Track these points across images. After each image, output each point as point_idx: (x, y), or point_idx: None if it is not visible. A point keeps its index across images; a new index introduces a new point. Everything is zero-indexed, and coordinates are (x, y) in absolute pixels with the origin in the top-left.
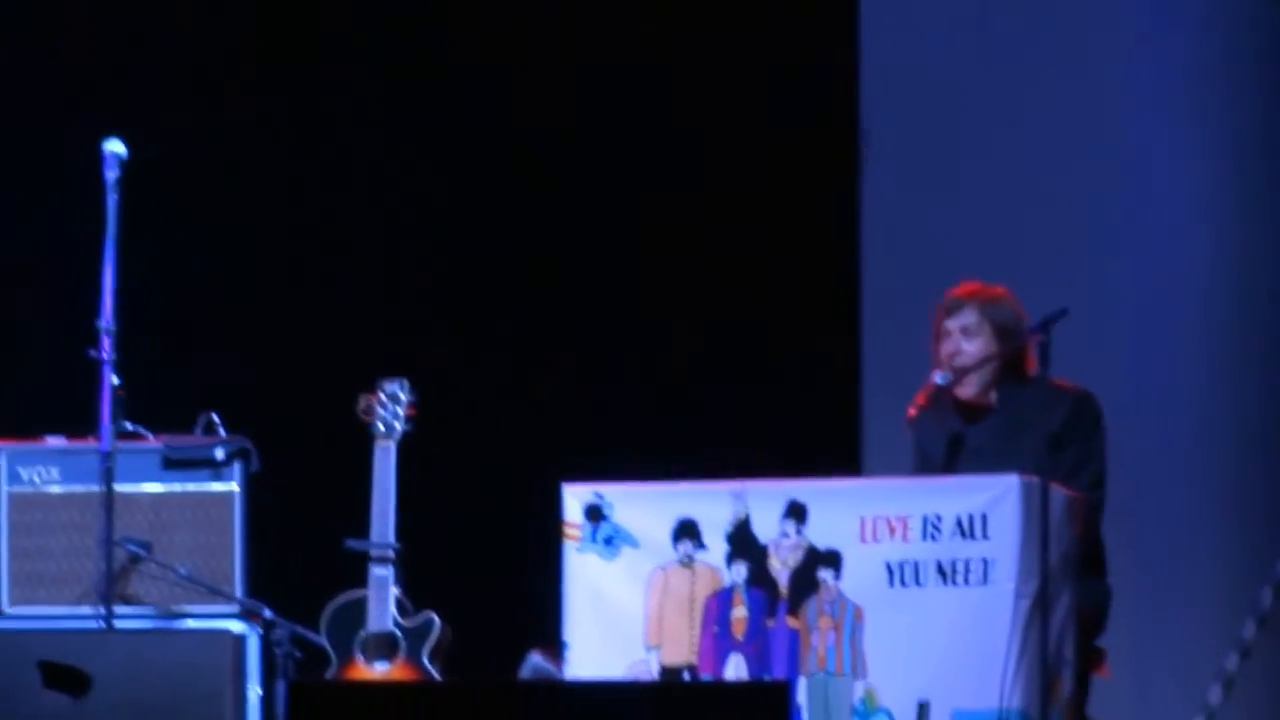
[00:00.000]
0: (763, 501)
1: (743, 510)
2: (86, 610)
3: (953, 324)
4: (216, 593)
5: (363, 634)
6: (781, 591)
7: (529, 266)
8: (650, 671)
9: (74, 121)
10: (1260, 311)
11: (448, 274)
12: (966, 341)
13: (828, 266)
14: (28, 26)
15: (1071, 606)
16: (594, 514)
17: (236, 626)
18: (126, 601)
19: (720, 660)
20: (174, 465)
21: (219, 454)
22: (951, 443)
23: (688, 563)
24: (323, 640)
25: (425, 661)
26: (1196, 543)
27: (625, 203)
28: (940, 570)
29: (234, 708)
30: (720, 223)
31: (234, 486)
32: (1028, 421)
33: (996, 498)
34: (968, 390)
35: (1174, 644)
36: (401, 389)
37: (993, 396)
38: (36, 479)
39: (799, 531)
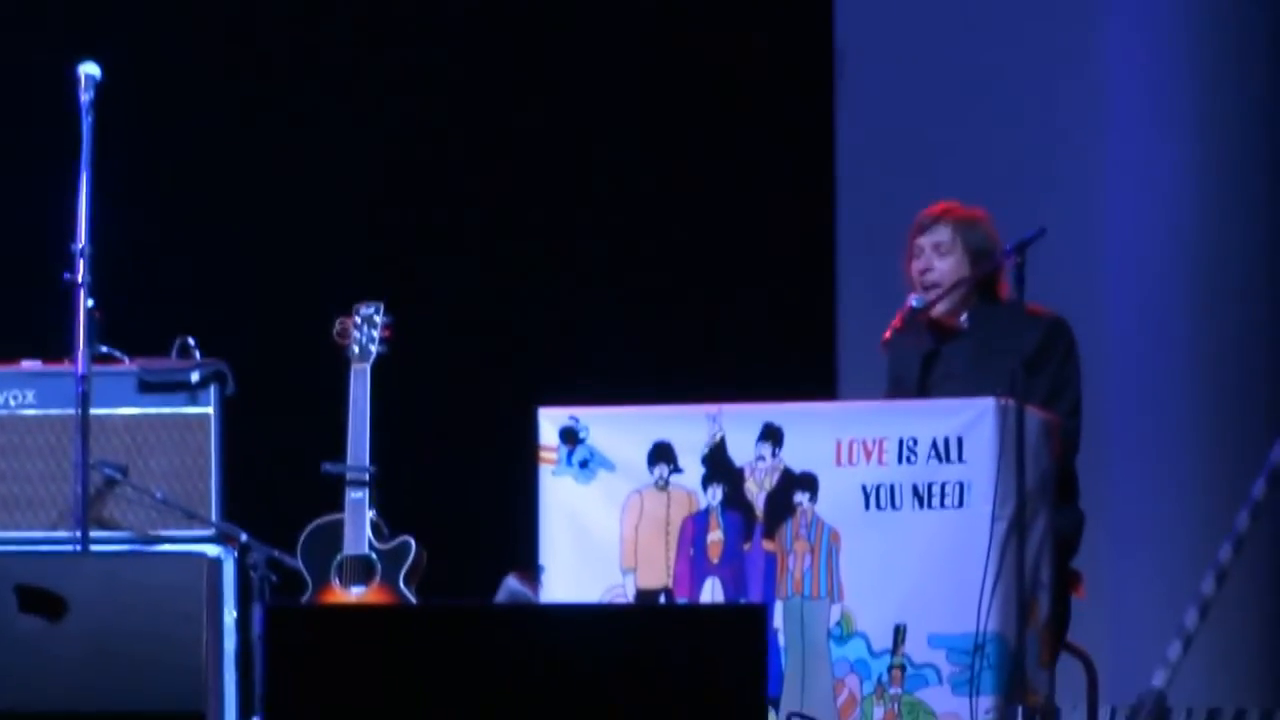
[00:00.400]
0: (738, 424)
1: (718, 433)
2: (62, 534)
3: (925, 240)
4: (192, 516)
5: (339, 557)
6: (757, 514)
7: (505, 190)
8: (626, 595)
9: (46, 43)
10: (1237, 234)
11: (424, 196)
12: (939, 259)
13: (803, 190)
14: None
15: (1047, 529)
16: (569, 437)
17: (212, 550)
18: (102, 525)
19: (696, 583)
20: (150, 388)
21: (194, 377)
22: (925, 363)
23: (663, 485)
24: (299, 564)
25: (401, 585)
26: (1174, 466)
27: (599, 126)
28: (916, 493)
29: (210, 631)
30: (696, 146)
31: (209, 410)
32: (999, 346)
33: (972, 420)
34: (939, 309)
35: (1150, 568)
36: (377, 312)
37: (963, 318)
38: (12, 402)
39: (774, 454)
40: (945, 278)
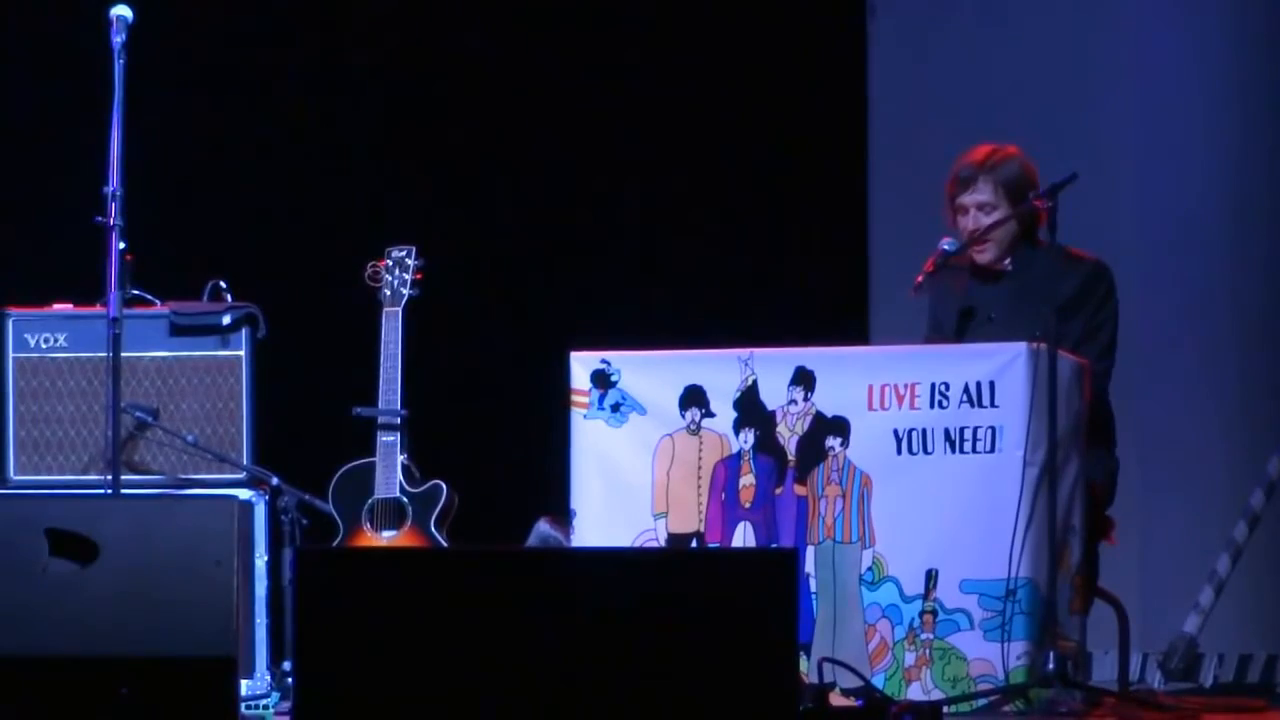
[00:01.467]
0: (770, 368)
1: (750, 376)
2: (93, 477)
3: (968, 199)
4: (224, 460)
5: (370, 501)
6: (789, 459)
7: (538, 133)
8: (658, 539)
9: None
10: (1267, 175)
11: (457, 140)
12: (985, 217)
13: (835, 135)
14: None
15: (1079, 475)
16: (601, 380)
17: (243, 494)
18: (133, 469)
19: (728, 528)
20: (181, 331)
21: (226, 320)
22: (963, 310)
23: (695, 429)
24: (330, 507)
25: (432, 529)
26: (1207, 412)
27: (632, 72)
28: (948, 438)
29: (241, 575)
30: (730, 93)
31: (241, 353)
32: (1038, 288)
33: (1004, 365)
34: (987, 255)
35: (1182, 515)
36: (409, 255)
37: (1006, 261)
38: (44, 345)
39: (806, 398)
40: (996, 233)
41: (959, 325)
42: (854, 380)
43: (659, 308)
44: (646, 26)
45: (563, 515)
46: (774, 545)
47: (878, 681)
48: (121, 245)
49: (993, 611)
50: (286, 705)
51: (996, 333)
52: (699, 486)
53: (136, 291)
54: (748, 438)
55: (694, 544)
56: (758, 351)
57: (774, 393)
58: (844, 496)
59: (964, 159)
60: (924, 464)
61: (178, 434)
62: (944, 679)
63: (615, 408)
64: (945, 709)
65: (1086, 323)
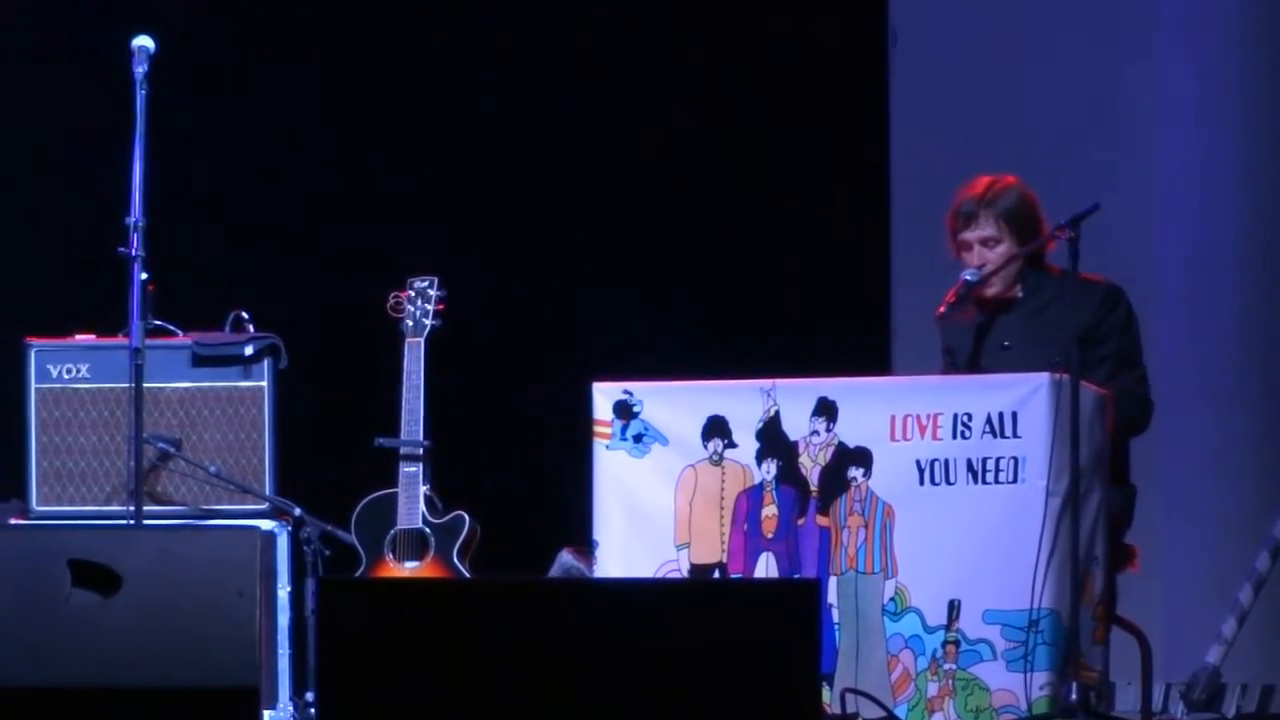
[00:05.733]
0: (792, 399)
1: (772, 407)
2: (116, 508)
3: (971, 235)
4: (246, 490)
5: (392, 532)
6: (812, 489)
7: (558, 164)
8: (680, 570)
9: (100, 15)
10: None
11: (478, 169)
12: (990, 252)
13: (857, 163)
14: None
15: (1102, 505)
16: (624, 411)
17: (266, 524)
18: (156, 499)
19: (751, 559)
20: (203, 362)
21: (248, 351)
22: (978, 335)
23: (717, 460)
24: (352, 538)
25: (455, 559)
26: (1228, 441)
27: (653, 100)
28: (971, 468)
29: (263, 606)
30: (752, 122)
31: (263, 383)
32: (1053, 315)
33: (1027, 395)
34: (992, 289)
35: (1205, 544)
36: (431, 285)
37: (1017, 289)
38: (66, 375)
39: (829, 429)
40: (996, 264)
41: (974, 347)
42: (876, 411)
43: (681, 338)
44: (666, 56)
45: (585, 546)
46: (796, 576)
47: (900, 712)
48: (144, 276)
49: (1015, 642)
50: None
51: (1013, 360)
52: (721, 517)
53: (159, 322)
54: (770, 468)
55: (716, 575)
56: (780, 382)
57: (796, 423)
58: (866, 527)
59: (963, 193)
60: (946, 494)
61: (200, 465)
62: (967, 710)
63: (638, 438)
64: None
65: (1117, 350)
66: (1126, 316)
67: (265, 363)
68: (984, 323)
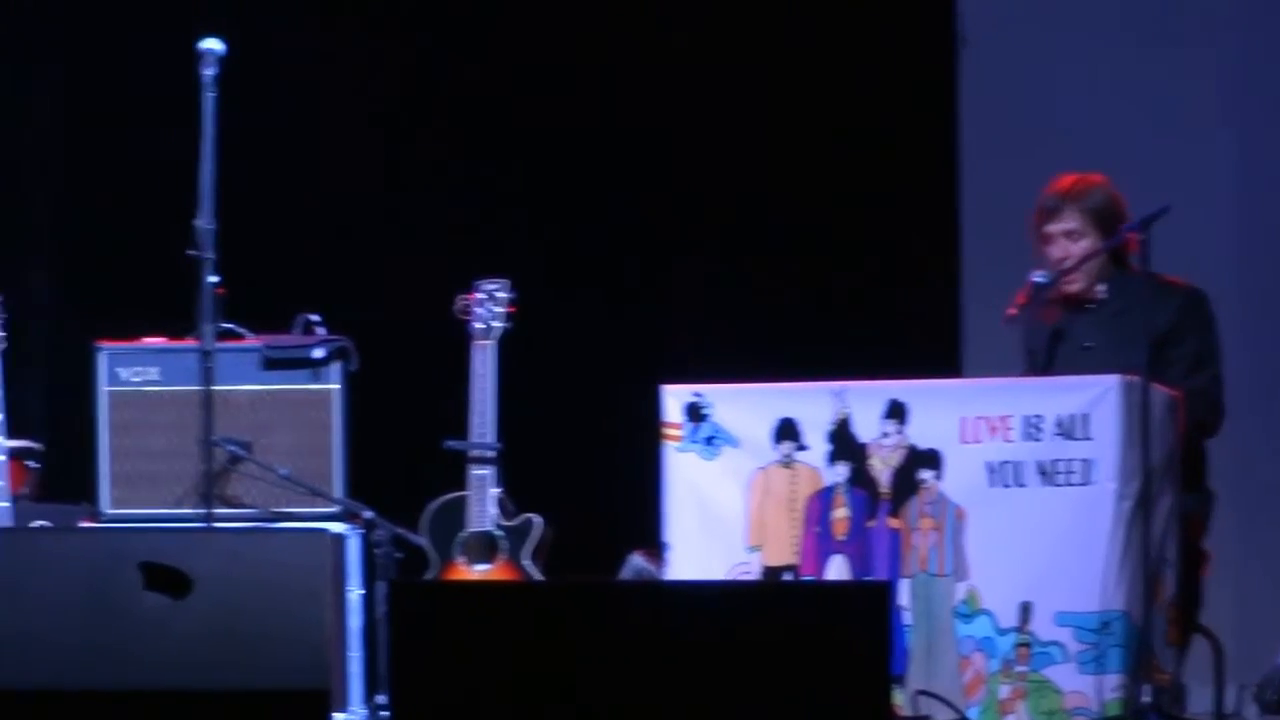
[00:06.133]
0: (863, 401)
1: (843, 409)
2: (186, 511)
3: (1054, 228)
4: (316, 493)
5: (463, 534)
6: (882, 491)
7: (629, 166)
8: (752, 572)
9: (171, 18)
10: None
11: (549, 171)
12: (1073, 245)
13: (927, 165)
14: None
15: (1173, 507)
16: (694, 413)
17: (336, 527)
18: (226, 502)
19: (822, 561)
20: (273, 365)
21: (318, 353)
22: (1054, 338)
23: (788, 462)
24: (423, 541)
25: (526, 562)
26: None
27: (722, 102)
28: (1041, 470)
29: (334, 608)
30: (821, 125)
31: (333, 386)
32: (1135, 317)
33: (1097, 397)
34: (1077, 285)
35: (1277, 546)
36: (501, 288)
37: (1100, 290)
38: (136, 378)
39: (899, 431)
40: (1079, 259)
41: (1050, 351)
42: (947, 413)
43: (751, 340)
44: (734, 59)
45: (656, 549)
46: (868, 578)
47: (972, 715)
48: (213, 278)
49: (1087, 644)
50: None
51: (1095, 361)
52: (792, 519)
53: (228, 325)
54: (841, 471)
55: (788, 577)
56: (850, 385)
57: (867, 426)
58: (938, 529)
59: (1049, 189)
60: (1017, 496)
61: (270, 467)
62: (1039, 712)
63: (709, 441)
64: None
65: (1194, 351)
66: (1206, 319)
67: (335, 365)
68: (1065, 324)
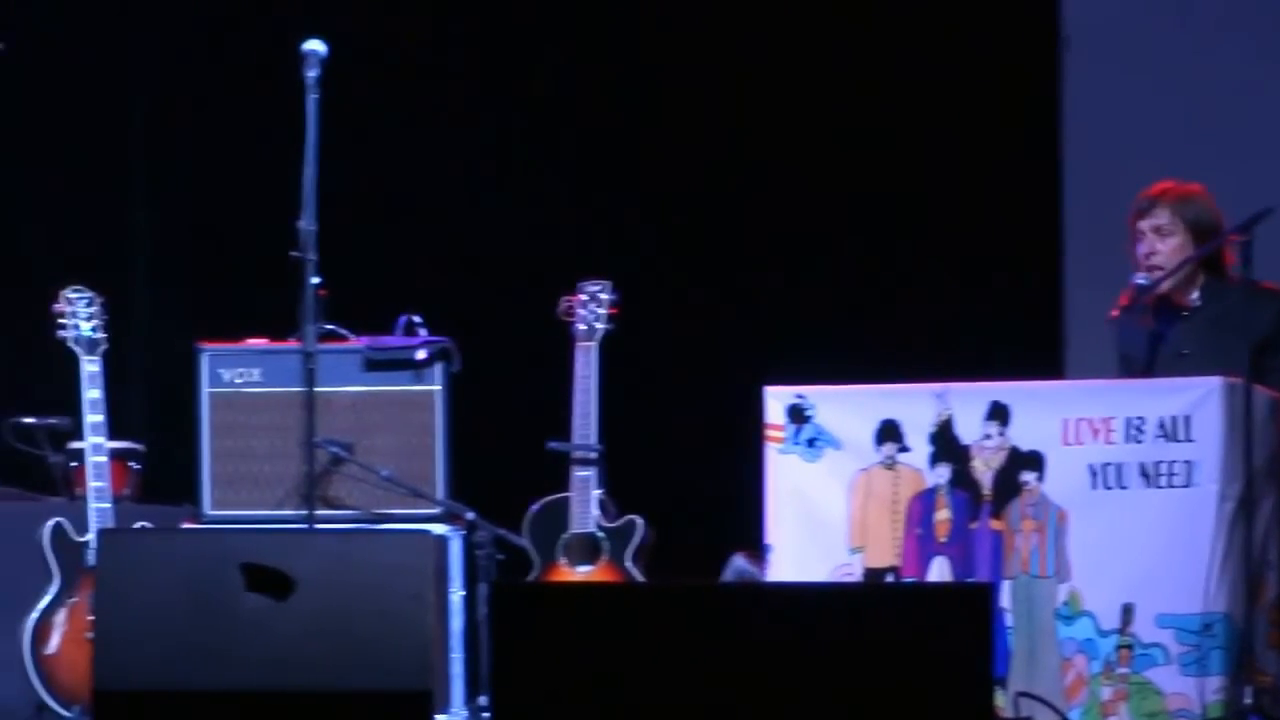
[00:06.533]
0: (965, 402)
1: (945, 411)
2: (288, 512)
3: (1145, 224)
4: (418, 495)
5: (565, 536)
6: (984, 493)
7: (732, 169)
8: (854, 574)
9: (273, 20)
10: None
11: (651, 173)
12: (1161, 241)
13: (1029, 168)
14: None
15: (1275, 509)
16: (796, 415)
17: (439, 528)
18: (328, 504)
19: (924, 563)
20: (375, 366)
21: (421, 354)
22: (1152, 343)
23: (890, 464)
24: (525, 542)
25: (628, 564)
26: None
27: (826, 106)
28: (1143, 472)
29: (436, 610)
30: (922, 128)
31: (435, 387)
32: (1233, 322)
33: (1199, 399)
34: (1167, 287)
35: None
36: (603, 290)
37: (1194, 296)
38: (238, 380)
39: (1002, 433)
40: (1169, 259)
41: (1148, 355)
42: (1049, 415)
43: (853, 342)
44: (839, 67)
45: (758, 551)
46: (969, 580)
47: (1074, 717)
48: (315, 280)
49: (1189, 646)
50: None
51: (1190, 368)
52: (894, 521)
53: (330, 326)
54: (943, 472)
55: (890, 579)
56: (952, 386)
57: (969, 427)
58: (1040, 531)
59: (1144, 191)
60: (1119, 498)
61: (372, 469)
62: (1140, 714)
63: (811, 442)
64: None
65: None
66: None
67: (437, 367)
68: (1160, 329)
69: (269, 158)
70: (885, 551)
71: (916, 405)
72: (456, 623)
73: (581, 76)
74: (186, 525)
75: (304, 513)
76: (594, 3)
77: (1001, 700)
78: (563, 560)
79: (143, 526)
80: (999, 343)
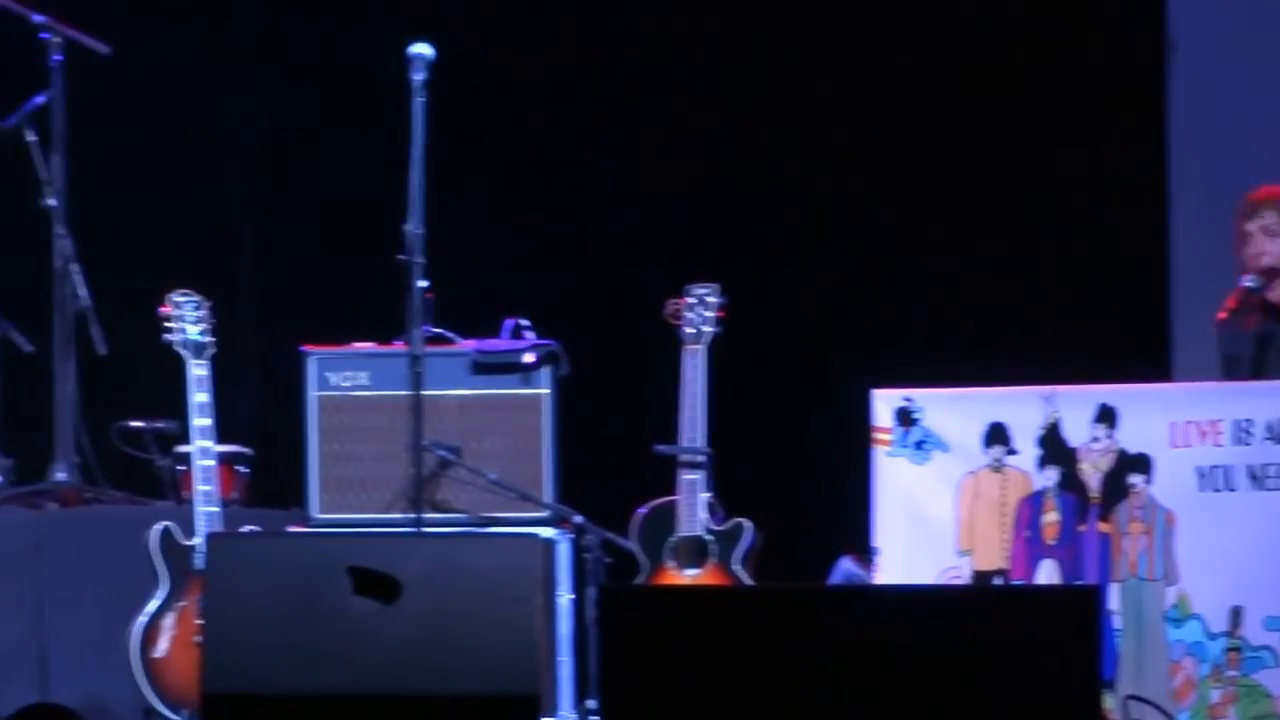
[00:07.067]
0: (1073, 405)
1: (1053, 414)
2: (396, 515)
3: (1252, 225)
4: (526, 498)
5: (673, 539)
6: (1092, 496)
7: (839, 173)
8: (962, 576)
9: (381, 23)
10: None
11: (758, 177)
12: (1269, 242)
13: (1136, 171)
14: None
15: None
16: (904, 418)
17: (547, 532)
18: (436, 507)
19: (1032, 565)
20: (483, 369)
21: (529, 358)
22: (1260, 344)
23: (998, 467)
24: (633, 545)
25: (736, 567)
26: None
27: (931, 110)
28: (1251, 474)
29: (544, 613)
30: (1029, 129)
31: (543, 391)
32: None
33: None
34: (1276, 293)
35: None
36: (711, 293)
37: None
38: (345, 383)
39: (1109, 435)
40: (1278, 261)
41: (1256, 357)
42: (1156, 417)
43: (961, 345)
44: (942, 68)
45: (866, 553)
46: (1078, 582)
47: (1183, 719)
48: (423, 283)
49: None
50: None
51: None
52: (1003, 523)
53: (438, 329)
54: (1051, 475)
55: (998, 581)
56: (1060, 389)
57: (1077, 430)
58: (1148, 533)
59: (1250, 194)
60: (1227, 501)
61: (480, 472)
62: (1249, 716)
63: (919, 445)
64: None
65: None
66: None
67: (545, 370)
68: (1267, 331)
69: (377, 160)
70: (993, 554)
71: (1024, 408)
72: (565, 626)
73: (692, 79)
74: (294, 529)
75: (411, 516)
76: (707, 5)
77: (1110, 703)
78: (671, 563)
79: (251, 530)
80: (1107, 345)
